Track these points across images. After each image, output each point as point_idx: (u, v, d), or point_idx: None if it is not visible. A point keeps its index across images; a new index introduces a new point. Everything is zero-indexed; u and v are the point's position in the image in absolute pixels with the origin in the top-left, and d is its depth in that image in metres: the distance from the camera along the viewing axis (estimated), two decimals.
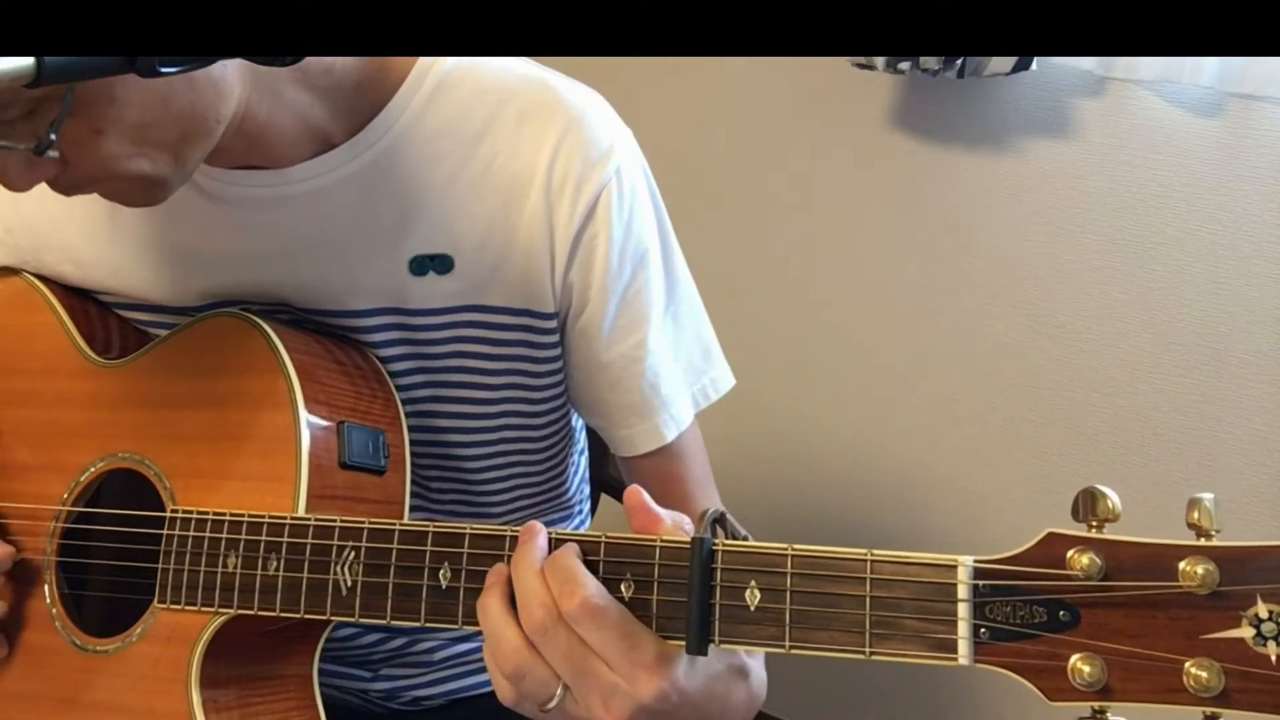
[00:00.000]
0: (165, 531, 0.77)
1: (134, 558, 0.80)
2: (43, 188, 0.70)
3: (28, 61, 0.53)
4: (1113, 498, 0.56)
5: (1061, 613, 0.56)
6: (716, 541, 0.61)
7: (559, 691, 0.62)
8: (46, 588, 0.83)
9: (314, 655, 0.79)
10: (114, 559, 0.82)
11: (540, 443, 0.95)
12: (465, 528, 0.68)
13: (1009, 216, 1.63)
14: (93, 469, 0.83)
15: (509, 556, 0.66)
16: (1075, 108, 1.55)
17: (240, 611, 0.73)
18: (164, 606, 0.76)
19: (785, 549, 0.60)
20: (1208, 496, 0.55)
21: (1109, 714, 0.55)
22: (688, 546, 0.61)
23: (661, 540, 0.63)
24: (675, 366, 0.91)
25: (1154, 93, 1.49)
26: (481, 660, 1.02)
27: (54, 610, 0.83)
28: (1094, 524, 0.56)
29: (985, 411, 1.69)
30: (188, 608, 0.75)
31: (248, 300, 0.86)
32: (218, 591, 0.74)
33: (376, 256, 0.83)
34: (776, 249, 1.84)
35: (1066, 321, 1.61)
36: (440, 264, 0.83)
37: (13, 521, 0.86)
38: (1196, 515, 0.55)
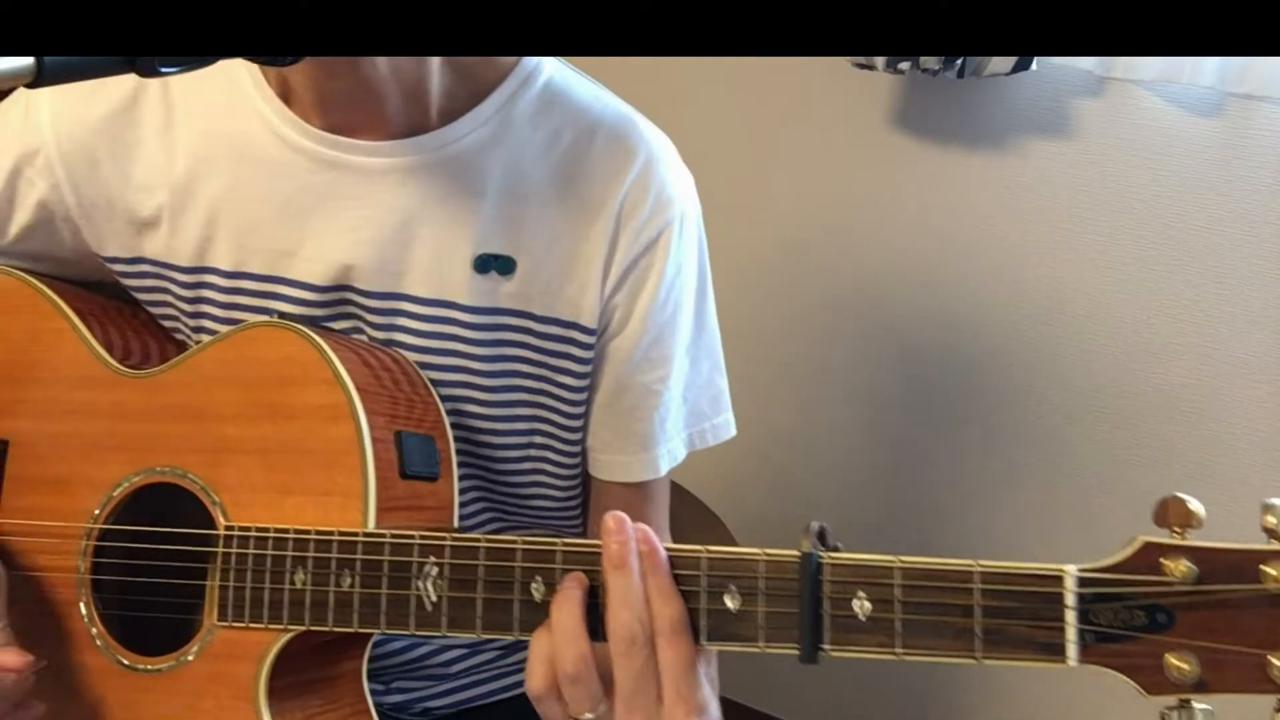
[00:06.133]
0: (220, 549, 0.76)
1: (181, 575, 0.79)
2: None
3: (28, 61, 0.53)
4: (1193, 504, 0.60)
5: (1159, 615, 0.59)
6: (823, 555, 0.63)
7: (599, 709, 0.65)
8: (82, 606, 0.81)
9: (364, 655, 0.79)
10: (158, 576, 0.80)
11: (567, 455, 0.95)
12: (557, 543, 0.68)
13: (1009, 216, 1.64)
14: (127, 483, 0.81)
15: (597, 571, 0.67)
16: (1075, 108, 1.56)
17: (313, 628, 0.72)
18: (224, 625, 0.75)
19: (893, 560, 0.62)
20: None
21: (1192, 702, 0.59)
22: (794, 559, 0.64)
23: (766, 554, 0.65)
24: (683, 408, 0.95)
25: (1154, 93, 1.50)
26: (493, 668, 1.03)
27: (94, 630, 0.81)
28: (1177, 530, 0.60)
29: (984, 411, 1.71)
30: (252, 625, 0.74)
31: (309, 281, 0.87)
32: (286, 609, 0.73)
33: (445, 246, 0.86)
34: (776, 248, 1.84)
35: (1066, 321, 1.62)
36: (504, 265, 0.87)
37: (33, 539, 0.83)
38: (1274, 521, 0.58)
